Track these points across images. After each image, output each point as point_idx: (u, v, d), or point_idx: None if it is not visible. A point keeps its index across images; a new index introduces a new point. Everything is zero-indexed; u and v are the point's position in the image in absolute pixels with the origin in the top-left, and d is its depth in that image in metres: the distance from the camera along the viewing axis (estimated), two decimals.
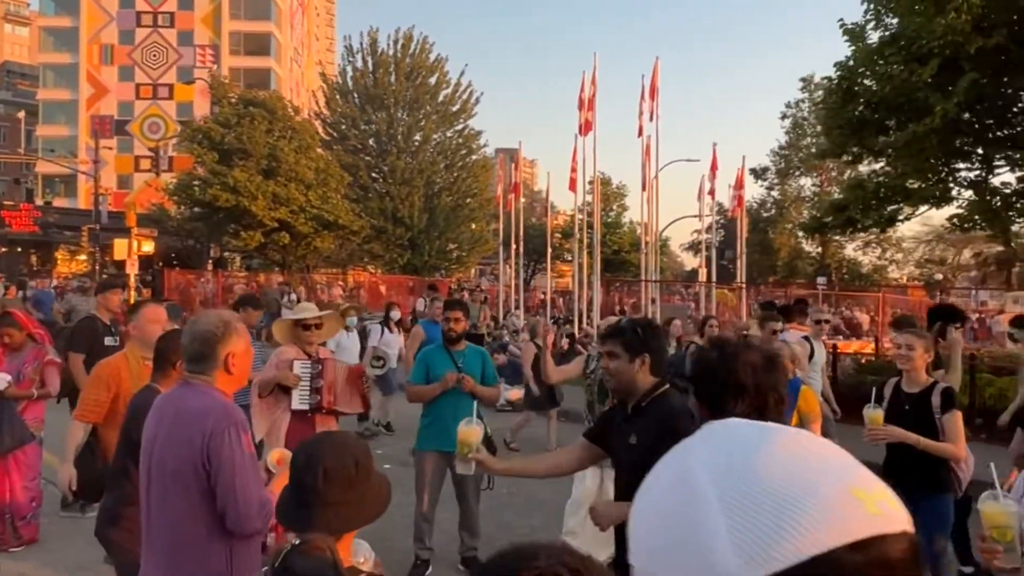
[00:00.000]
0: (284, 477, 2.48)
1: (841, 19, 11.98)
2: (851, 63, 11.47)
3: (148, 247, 21.50)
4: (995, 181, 11.79)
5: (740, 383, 1.74)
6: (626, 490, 2.89)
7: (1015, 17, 9.36)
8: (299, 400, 4.83)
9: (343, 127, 32.63)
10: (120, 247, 20.33)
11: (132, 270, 19.11)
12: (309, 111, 34.62)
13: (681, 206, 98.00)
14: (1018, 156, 11.22)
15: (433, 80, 32.70)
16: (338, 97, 32.67)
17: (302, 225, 26.12)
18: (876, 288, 41.36)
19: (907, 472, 4.26)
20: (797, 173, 50.31)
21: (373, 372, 9.45)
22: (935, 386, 4.32)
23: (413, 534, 5.23)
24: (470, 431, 3.22)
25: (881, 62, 10.50)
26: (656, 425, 2.75)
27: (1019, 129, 10.86)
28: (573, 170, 21.91)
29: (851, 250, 50.13)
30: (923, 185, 12.25)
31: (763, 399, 1.72)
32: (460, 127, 33.42)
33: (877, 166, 12.83)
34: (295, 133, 27.38)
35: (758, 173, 49.69)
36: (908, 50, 9.74)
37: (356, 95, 32.36)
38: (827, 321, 7.22)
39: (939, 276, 44.30)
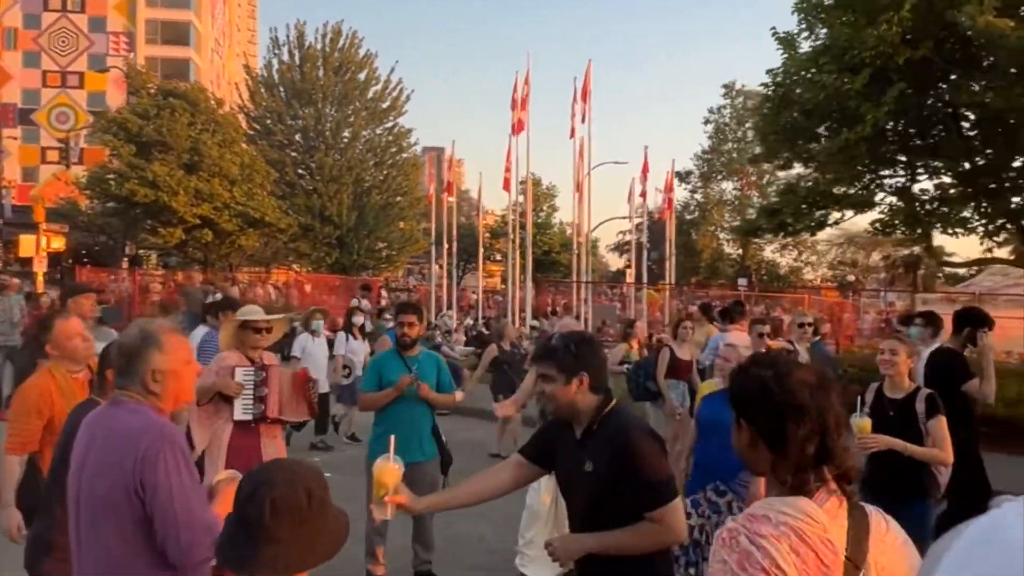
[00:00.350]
0: (228, 499, 2.24)
1: (773, 27, 12.29)
2: (784, 70, 11.74)
3: (58, 243, 20.34)
4: (917, 188, 12.28)
5: (799, 404, 1.61)
6: (585, 521, 2.67)
7: (941, 31, 9.75)
8: (242, 410, 4.50)
9: (268, 122, 31.68)
10: (27, 243, 19.14)
11: (40, 268, 18.02)
12: (232, 104, 33.48)
13: (609, 207, 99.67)
14: (938, 164, 11.70)
15: (363, 76, 32.11)
16: (263, 91, 31.70)
17: (226, 222, 25.20)
18: (793, 289, 42.98)
19: (889, 479, 4.27)
20: (719, 177, 51.77)
21: (341, 382, 9.08)
22: (919, 391, 4.35)
23: (365, 549, 5.01)
24: (386, 470, 2.76)
25: (814, 71, 10.77)
26: (612, 449, 2.55)
27: (938, 138, 11.31)
28: (507, 170, 21.85)
29: (769, 252, 51.99)
30: (848, 191, 12.67)
31: (823, 421, 1.60)
32: (390, 124, 32.94)
33: (806, 171, 13.17)
34: (218, 127, 26.41)
35: (682, 176, 50.78)
36: (841, 60, 10.02)
37: (282, 89, 31.47)
38: (810, 324, 7.27)
39: (851, 278, 46.25)
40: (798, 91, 11.26)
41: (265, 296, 20.90)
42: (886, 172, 11.92)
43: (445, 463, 5.38)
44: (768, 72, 12.60)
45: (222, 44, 61.93)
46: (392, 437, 3.38)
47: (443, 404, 5.24)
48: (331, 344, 9.24)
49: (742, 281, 43.44)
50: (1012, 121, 9.99)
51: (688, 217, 50.14)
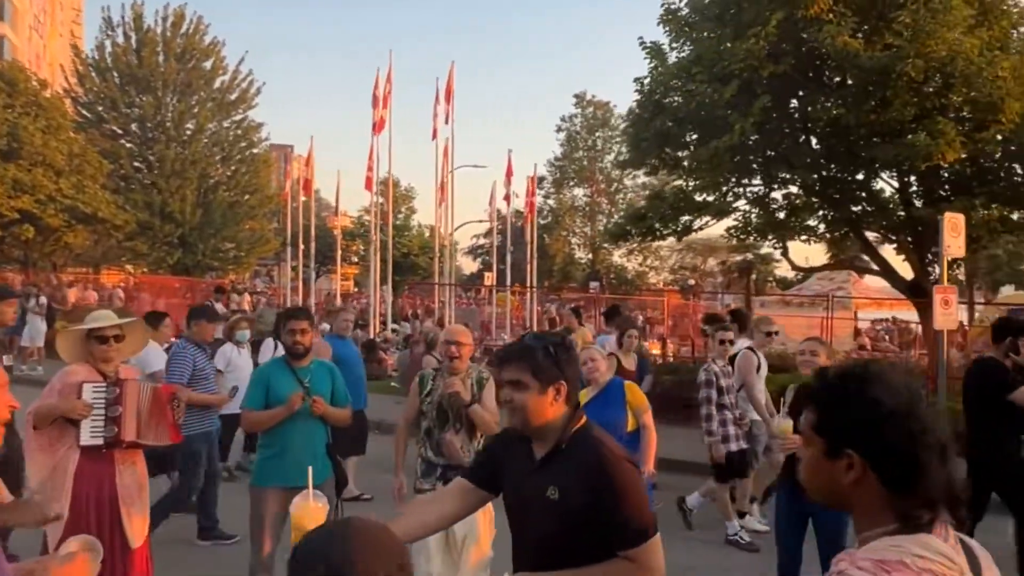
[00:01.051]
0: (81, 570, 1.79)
1: (641, 38, 12.68)
2: (656, 79, 12.10)
3: None
4: (773, 197, 13.02)
5: (930, 429, 1.41)
6: (543, 554, 2.26)
7: (800, 49, 10.39)
8: (90, 433, 3.83)
9: (100, 109, 28.99)
10: None
11: None
12: (58, 87, 30.37)
13: (466, 211, 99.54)
14: (788, 176, 12.47)
15: (208, 64, 30.14)
16: (94, 75, 28.96)
17: (51, 217, 22.73)
18: (639, 292, 45.01)
19: None
20: (571, 184, 53.36)
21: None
22: None
23: None
24: (307, 511, 2.23)
25: (680, 81, 11.18)
26: (585, 475, 2.19)
27: (791, 150, 12.04)
28: (370, 168, 21.22)
29: (618, 257, 54.20)
30: (709, 199, 13.28)
31: (944, 445, 1.42)
32: (239, 117, 31.14)
33: (672, 177, 13.66)
34: (42, 111, 23.80)
35: (536, 182, 51.93)
36: (711, 70, 10.44)
37: (116, 74, 28.91)
38: (776, 333, 7.43)
39: (692, 282, 48.99)
40: (670, 99, 11.65)
41: (81, 299, 18.79)
42: (747, 181, 12.56)
43: (340, 484, 4.97)
44: (636, 80, 12.97)
45: (42, 21, 56.31)
46: (310, 469, 2.95)
47: (340, 420, 4.80)
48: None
49: (594, 284, 45.16)
50: (853, 137, 10.82)
51: (542, 222, 51.21)
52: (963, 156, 10.19)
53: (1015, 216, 11.93)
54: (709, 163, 10.71)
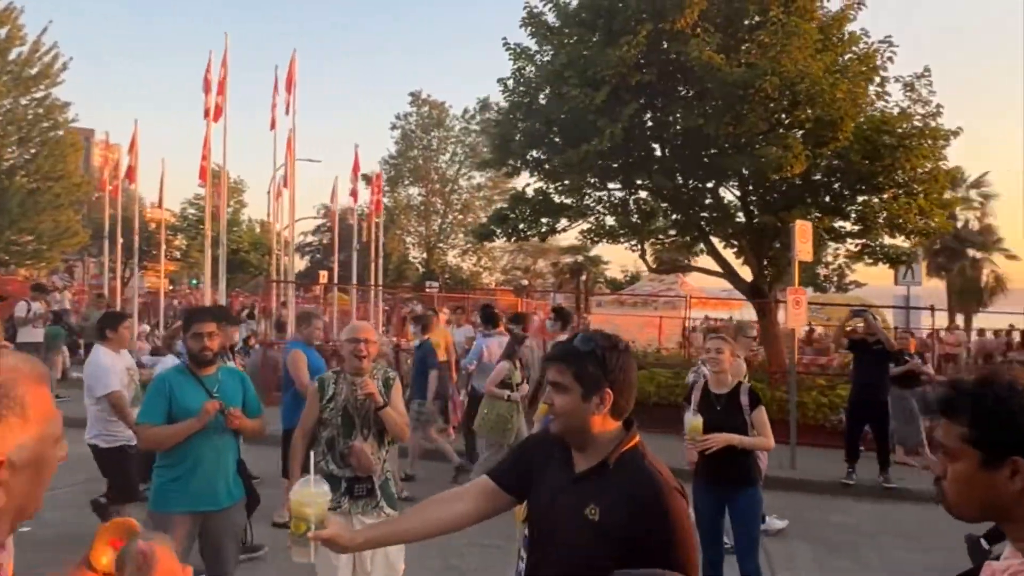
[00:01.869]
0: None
1: (505, 38, 12.77)
2: (520, 81, 12.18)
3: None
4: (632, 200, 13.54)
5: None
6: (569, 573, 2.07)
7: (665, 60, 10.85)
8: None
9: None
10: None
11: None
12: None
13: (299, 206, 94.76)
14: (645, 182, 13.04)
15: (3, 33, 26.67)
16: None
17: None
18: (474, 291, 45.42)
19: (722, 470, 4.52)
20: (407, 182, 52.85)
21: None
22: (740, 386, 4.67)
23: None
24: (307, 497, 2.10)
25: (552, 84, 11.32)
26: (636, 503, 2.02)
27: (651, 157, 12.60)
28: (204, 158, 19.66)
29: (452, 257, 54.46)
30: (567, 201, 13.61)
31: None
32: (40, 95, 27.82)
33: (533, 179, 13.85)
34: None
35: (369, 179, 50.92)
36: (584, 75, 10.64)
37: None
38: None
39: (524, 282, 50.21)
40: (537, 104, 11.77)
41: None
42: (610, 185, 12.97)
43: (251, 504, 4.51)
44: (499, 81, 13.02)
45: None
46: (311, 454, 2.67)
47: (256, 433, 4.35)
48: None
49: (433, 284, 45.04)
50: (710, 148, 11.49)
51: (376, 220, 50.25)
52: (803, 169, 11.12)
53: (836, 225, 13.21)
54: (578, 167, 10.92)
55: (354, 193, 23.58)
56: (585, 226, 14.18)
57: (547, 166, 12.73)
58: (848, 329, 9.81)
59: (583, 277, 46.58)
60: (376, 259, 25.09)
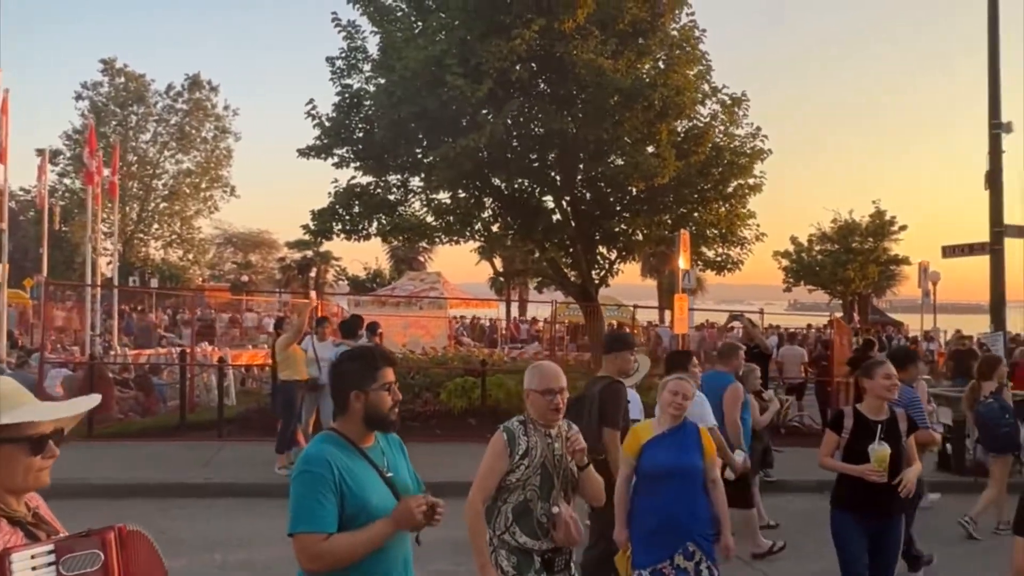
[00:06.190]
0: None
1: (335, 13, 11.56)
2: (397, 69, 11.01)
3: None
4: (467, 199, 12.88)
5: None
6: None
7: (551, 59, 10.48)
8: None
9: None
10: None
11: None
12: None
13: None
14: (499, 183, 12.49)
15: None
16: None
17: None
18: (185, 288, 40.72)
19: (886, 498, 4.26)
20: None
21: None
22: (896, 412, 4.43)
23: None
24: None
25: (423, 72, 10.32)
26: None
27: (510, 155, 12.07)
28: None
29: (154, 249, 48.65)
30: (389, 197, 12.69)
31: None
32: None
33: (358, 172, 12.55)
34: None
35: (50, 156, 43.29)
36: (467, 64, 9.84)
37: None
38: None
39: (245, 278, 46.25)
40: (368, 99, 10.77)
41: None
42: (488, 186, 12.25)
43: None
44: (328, 60, 11.77)
45: None
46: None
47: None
48: None
49: (133, 280, 39.69)
50: (582, 152, 11.39)
51: (61, 204, 42.87)
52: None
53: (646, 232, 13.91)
54: (454, 161, 10.07)
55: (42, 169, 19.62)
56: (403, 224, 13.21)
57: (408, 159, 11.65)
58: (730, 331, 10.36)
59: (312, 273, 44.37)
60: (46, 248, 19.63)
